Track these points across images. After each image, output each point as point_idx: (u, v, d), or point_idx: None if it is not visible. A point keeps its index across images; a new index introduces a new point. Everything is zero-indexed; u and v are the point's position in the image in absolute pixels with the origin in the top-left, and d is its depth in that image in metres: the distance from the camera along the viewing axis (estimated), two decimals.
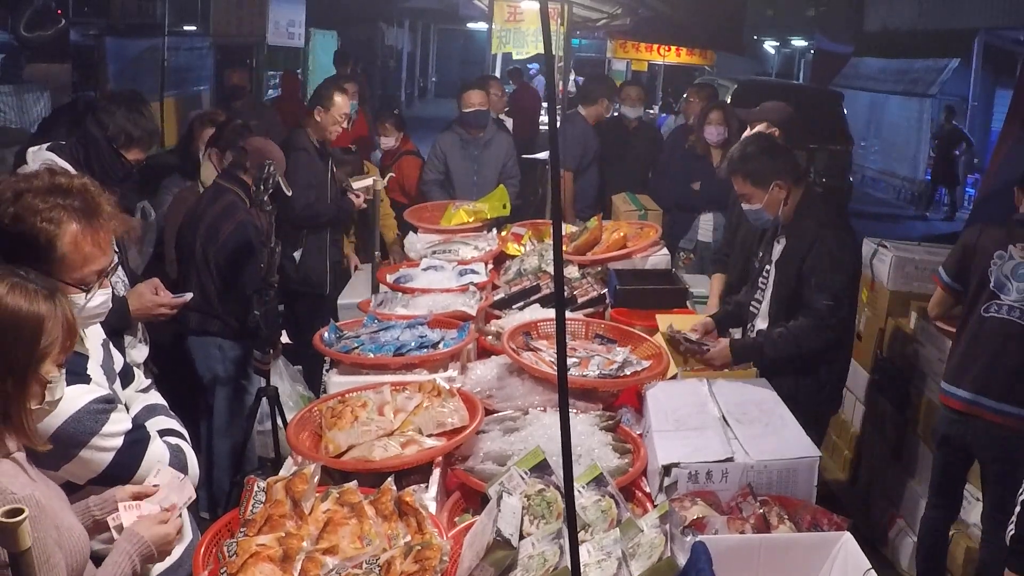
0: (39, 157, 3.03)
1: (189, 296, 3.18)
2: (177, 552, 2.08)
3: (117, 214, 2.10)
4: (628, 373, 2.82)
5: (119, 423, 2.01)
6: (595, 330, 3.28)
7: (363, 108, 7.63)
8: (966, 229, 3.61)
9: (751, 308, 3.42)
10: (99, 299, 2.07)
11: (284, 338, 3.79)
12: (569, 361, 2.86)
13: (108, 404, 2.00)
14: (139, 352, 3.15)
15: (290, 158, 4.59)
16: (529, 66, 20.29)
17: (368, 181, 4.84)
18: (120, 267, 3.18)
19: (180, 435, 2.21)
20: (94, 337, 2.16)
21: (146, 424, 2.13)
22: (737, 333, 3.53)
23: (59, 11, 8.18)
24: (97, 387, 2.01)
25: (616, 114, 6.80)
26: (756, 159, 3.26)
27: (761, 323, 3.33)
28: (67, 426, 1.89)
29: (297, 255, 4.77)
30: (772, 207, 3.24)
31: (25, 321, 1.62)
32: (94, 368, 2.07)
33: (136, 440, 2.04)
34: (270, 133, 4.91)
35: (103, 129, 3.18)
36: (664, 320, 3.39)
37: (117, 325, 2.84)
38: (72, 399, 1.89)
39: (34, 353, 1.64)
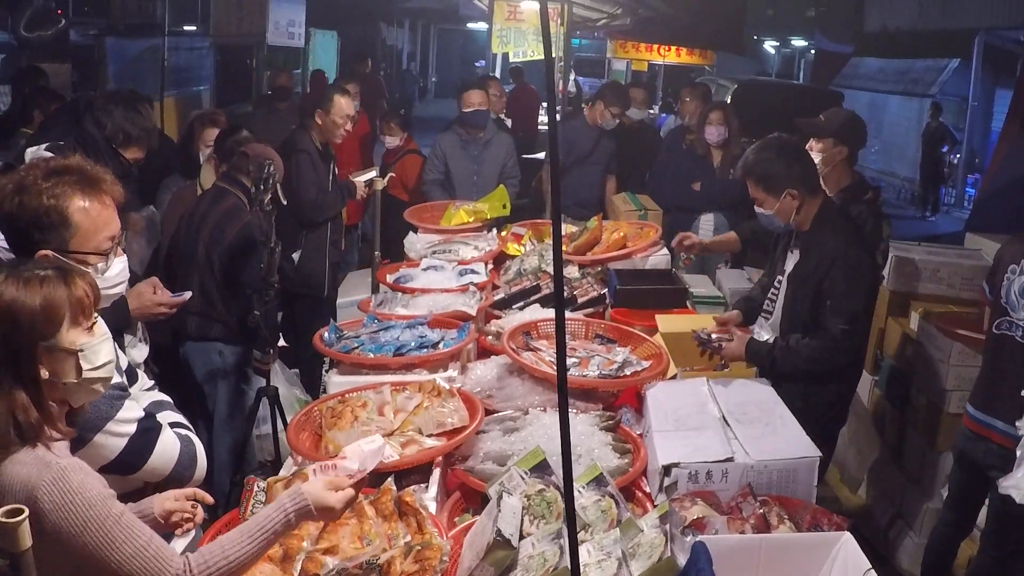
0: (38, 155, 3.05)
1: (188, 295, 3.18)
2: (178, 549, 2.09)
3: (116, 182, 2.16)
4: (628, 373, 2.82)
5: (132, 410, 2.05)
6: (595, 330, 3.28)
7: (364, 108, 7.65)
8: (1006, 238, 3.36)
9: (762, 315, 3.38)
10: (117, 267, 2.13)
11: (280, 341, 3.78)
12: (569, 361, 2.86)
13: (122, 391, 2.04)
14: (139, 352, 3.16)
15: (292, 159, 4.59)
16: (478, 64, 20.21)
17: (370, 174, 4.85)
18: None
19: (188, 429, 2.23)
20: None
21: (157, 416, 2.16)
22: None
23: (59, 11, 8.19)
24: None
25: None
26: (770, 164, 3.13)
27: (766, 334, 3.24)
28: (83, 410, 1.90)
29: (296, 256, 4.77)
30: (783, 215, 3.15)
31: (19, 311, 1.63)
32: None
33: (148, 428, 2.06)
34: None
35: (101, 128, 3.19)
36: (664, 320, 3.38)
37: (117, 324, 2.86)
38: None
39: (35, 338, 1.64)
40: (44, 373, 1.66)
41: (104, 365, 1.74)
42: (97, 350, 1.73)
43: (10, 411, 1.61)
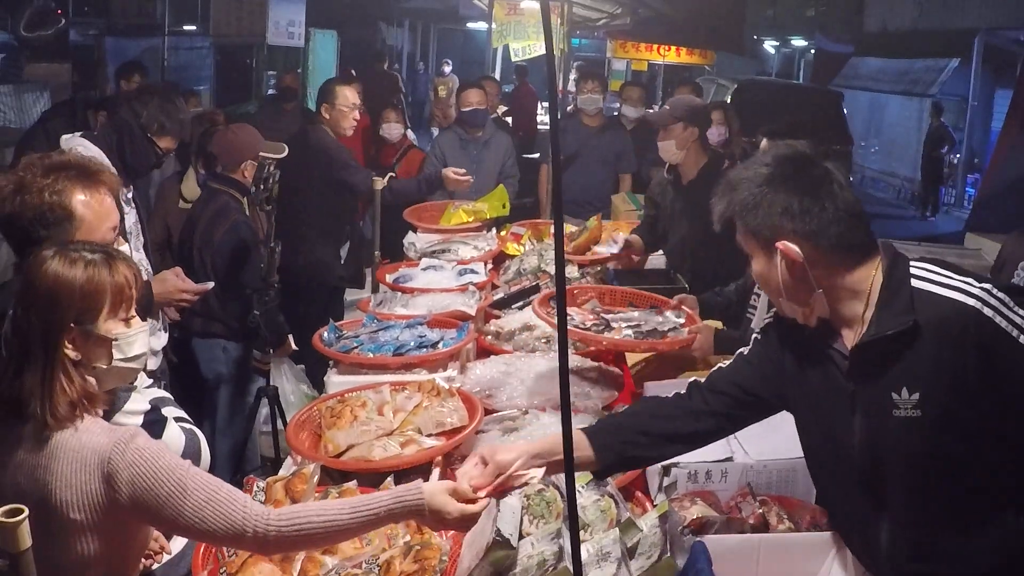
0: (72, 143, 3.12)
1: (211, 285, 3.22)
2: (177, 548, 2.10)
3: (113, 173, 2.22)
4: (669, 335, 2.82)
5: (138, 402, 2.06)
6: (629, 299, 3.29)
7: (371, 104, 7.67)
8: (1010, 235, 3.32)
9: (748, 314, 3.37)
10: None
11: (292, 344, 3.79)
12: (595, 325, 2.90)
13: (128, 384, 2.03)
14: (158, 340, 3.22)
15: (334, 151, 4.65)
16: (446, 61, 20.09)
17: None
18: (144, 252, 3.26)
19: (191, 423, 2.24)
20: None
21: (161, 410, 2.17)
22: None
23: (59, 11, 8.21)
24: None
25: (616, 113, 6.78)
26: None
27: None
28: None
29: (343, 251, 4.81)
30: None
31: (60, 286, 1.67)
32: None
33: (155, 420, 2.08)
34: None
35: (137, 117, 3.26)
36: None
37: (141, 308, 2.91)
38: None
39: (67, 316, 1.67)
40: (76, 355, 1.69)
41: (136, 357, 1.78)
42: (132, 341, 1.76)
43: (40, 387, 1.64)
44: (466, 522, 1.72)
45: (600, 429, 1.95)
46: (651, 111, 4.34)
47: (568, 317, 2.94)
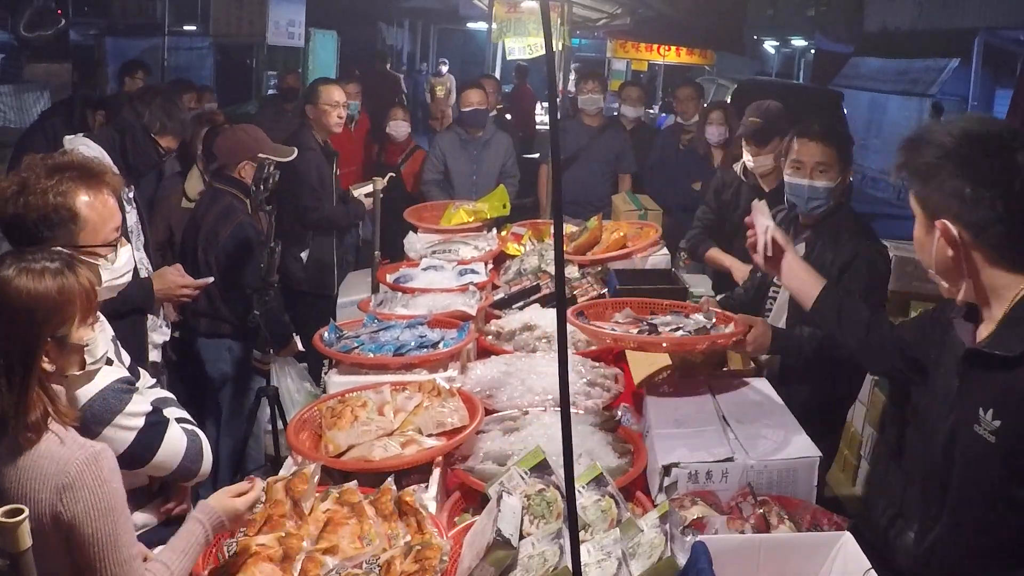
0: (75, 143, 3.14)
1: (211, 280, 3.23)
2: None
3: (116, 174, 2.23)
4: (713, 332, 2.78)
5: (140, 404, 2.06)
6: (650, 308, 3.22)
7: (372, 106, 7.67)
8: None
9: (763, 315, 3.35)
10: (124, 256, 2.18)
11: (298, 346, 3.79)
12: (641, 332, 2.86)
13: (130, 385, 2.05)
14: (160, 335, 3.24)
15: (299, 157, 4.60)
16: (442, 60, 19.93)
17: (368, 187, 4.84)
18: (144, 251, 3.28)
19: (193, 424, 2.25)
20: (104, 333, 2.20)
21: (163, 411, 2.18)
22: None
23: (59, 11, 8.22)
24: (120, 367, 2.04)
25: (616, 114, 6.79)
26: (844, 135, 3.10)
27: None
28: (92, 404, 1.92)
29: (304, 255, 4.78)
30: (836, 194, 3.08)
31: (36, 302, 1.66)
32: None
33: (156, 422, 2.08)
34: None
35: (139, 117, 3.28)
36: (636, 362, 3.26)
37: (142, 303, 2.96)
38: (97, 378, 1.93)
39: (44, 331, 1.67)
40: (51, 367, 1.68)
41: (102, 356, 1.81)
42: (98, 342, 1.78)
43: (23, 402, 1.64)
44: (252, 504, 1.94)
45: (837, 288, 2.33)
46: (741, 133, 4.29)
47: (610, 329, 2.91)
